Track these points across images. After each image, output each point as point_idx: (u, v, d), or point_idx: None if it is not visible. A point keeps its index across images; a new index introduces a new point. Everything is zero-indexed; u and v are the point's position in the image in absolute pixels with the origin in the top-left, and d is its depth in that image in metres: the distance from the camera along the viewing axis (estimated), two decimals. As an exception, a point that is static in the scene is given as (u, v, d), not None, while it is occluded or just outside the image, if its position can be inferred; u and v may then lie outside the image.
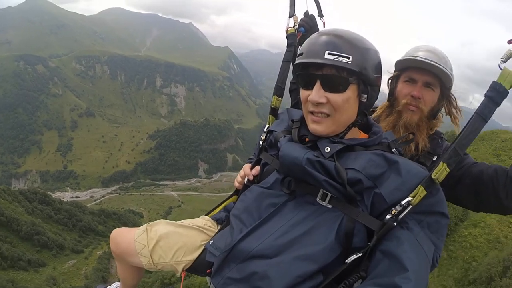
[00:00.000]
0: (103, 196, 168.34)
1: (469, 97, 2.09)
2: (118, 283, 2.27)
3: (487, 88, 1.32)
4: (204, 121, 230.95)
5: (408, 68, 2.04)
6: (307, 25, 2.18)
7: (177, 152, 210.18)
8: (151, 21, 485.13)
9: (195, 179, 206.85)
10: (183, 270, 1.74)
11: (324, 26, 2.24)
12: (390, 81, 2.17)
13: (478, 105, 1.35)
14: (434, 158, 2.00)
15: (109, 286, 2.29)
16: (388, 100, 2.17)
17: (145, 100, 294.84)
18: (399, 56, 2.07)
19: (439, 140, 2.09)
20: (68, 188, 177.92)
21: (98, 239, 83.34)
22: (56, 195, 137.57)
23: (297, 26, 2.06)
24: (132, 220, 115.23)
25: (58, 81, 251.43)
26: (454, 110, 2.10)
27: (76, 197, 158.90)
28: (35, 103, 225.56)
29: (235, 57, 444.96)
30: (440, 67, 1.91)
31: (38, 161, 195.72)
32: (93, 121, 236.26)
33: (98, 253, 76.73)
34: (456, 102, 2.10)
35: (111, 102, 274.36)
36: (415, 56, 1.98)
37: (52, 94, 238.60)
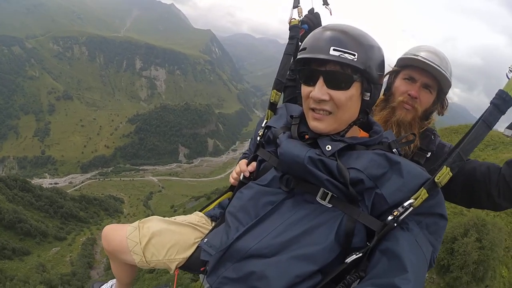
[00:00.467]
0: (82, 182, 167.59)
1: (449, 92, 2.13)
2: (114, 281, 2.25)
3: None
4: (185, 105, 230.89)
5: (409, 66, 2.02)
6: (311, 23, 2.11)
7: (157, 137, 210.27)
8: (131, 1, 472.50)
9: (176, 164, 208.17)
10: (176, 268, 1.71)
11: (331, 14, 2.16)
12: (388, 75, 2.15)
13: (482, 108, 1.34)
14: (428, 155, 2.01)
15: (105, 284, 2.30)
16: (383, 95, 2.14)
17: (125, 83, 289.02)
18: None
19: (432, 136, 2.09)
20: (47, 174, 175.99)
21: (80, 226, 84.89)
22: (34, 181, 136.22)
23: (301, 18, 1.99)
24: (113, 205, 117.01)
25: (35, 62, 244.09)
26: (442, 113, 2.14)
27: (55, 183, 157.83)
28: (12, 86, 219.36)
29: (217, 41, 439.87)
30: (441, 70, 1.91)
31: (15, 147, 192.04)
32: (71, 105, 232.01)
33: (81, 239, 78.36)
34: (447, 107, 2.13)
35: (90, 85, 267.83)
36: (418, 56, 1.96)
37: (29, 77, 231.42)
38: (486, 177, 1.75)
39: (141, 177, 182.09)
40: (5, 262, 54.11)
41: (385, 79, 2.17)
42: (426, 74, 1.96)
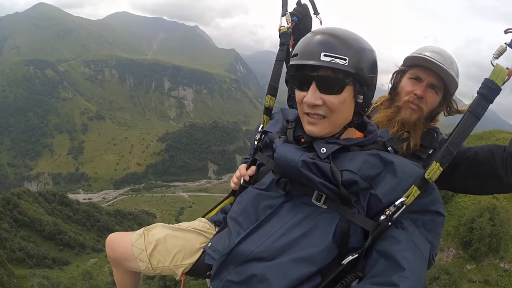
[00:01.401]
0: (115, 198, 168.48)
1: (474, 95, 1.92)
2: None
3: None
4: (213, 123, 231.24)
5: (416, 66, 2.00)
6: (300, 14, 2.11)
7: (187, 154, 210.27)
8: (156, 24, 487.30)
9: (205, 180, 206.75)
10: (182, 274, 1.71)
11: (321, 24, 2.14)
12: (395, 75, 2.13)
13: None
14: (430, 152, 1.99)
15: None
16: (389, 94, 2.14)
17: (154, 103, 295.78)
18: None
19: (435, 134, 2.07)
20: (80, 190, 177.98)
21: None
22: (69, 196, 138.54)
23: (289, 25, 1.99)
24: (146, 220, 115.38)
25: (68, 85, 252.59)
26: (451, 115, 2.09)
27: (89, 198, 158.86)
28: (46, 106, 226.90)
29: (241, 59, 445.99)
30: (447, 69, 1.87)
31: (50, 164, 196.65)
32: (103, 124, 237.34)
33: None
34: (456, 107, 2.07)
35: (121, 105, 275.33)
36: (425, 55, 1.94)
37: (62, 98, 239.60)
38: (490, 158, 1.72)
39: (172, 193, 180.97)
40: (45, 270, 53.92)
41: (391, 79, 2.16)
42: (433, 74, 1.93)
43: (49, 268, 57.26)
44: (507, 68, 1.29)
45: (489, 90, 1.29)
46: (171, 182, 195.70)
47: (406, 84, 2.03)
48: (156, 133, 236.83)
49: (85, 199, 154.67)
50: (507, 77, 1.29)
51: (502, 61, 1.31)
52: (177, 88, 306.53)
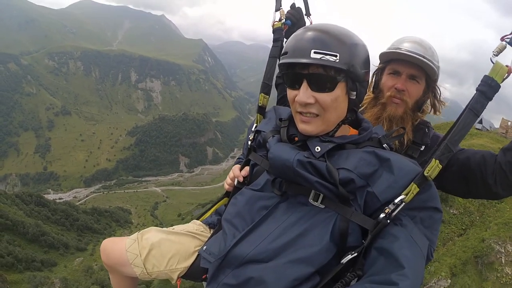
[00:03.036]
0: (86, 196, 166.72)
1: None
2: None
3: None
4: (183, 115, 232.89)
5: (392, 60, 2.02)
6: (294, 18, 2.10)
7: (157, 148, 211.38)
8: (122, 13, 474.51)
9: (177, 173, 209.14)
10: (178, 278, 1.72)
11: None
12: (375, 73, 2.15)
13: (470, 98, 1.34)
14: (422, 148, 2.00)
15: None
16: (372, 92, 2.15)
17: (121, 96, 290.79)
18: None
19: (426, 129, 2.07)
20: (50, 190, 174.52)
21: (96, 237, 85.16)
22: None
23: (283, 20, 1.96)
24: (123, 217, 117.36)
25: (32, 79, 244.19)
26: (437, 103, 2.10)
27: (59, 198, 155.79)
28: (10, 103, 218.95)
29: (209, 49, 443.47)
30: (423, 59, 1.88)
31: (17, 164, 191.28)
32: (70, 120, 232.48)
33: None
34: (440, 95, 2.09)
35: (87, 99, 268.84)
36: (399, 48, 1.95)
37: (26, 93, 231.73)
38: (481, 166, 1.72)
39: (144, 188, 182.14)
40: (35, 273, 54.08)
41: (372, 77, 2.16)
42: (410, 65, 1.94)
43: (39, 270, 57.49)
44: (507, 66, 1.28)
45: (488, 88, 1.29)
46: (143, 177, 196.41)
47: (386, 80, 2.05)
48: (125, 127, 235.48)
49: (55, 199, 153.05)
50: (506, 74, 1.28)
51: (503, 59, 1.31)
52: (145, 80, 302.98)
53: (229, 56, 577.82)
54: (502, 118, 32.09)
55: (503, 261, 13.53)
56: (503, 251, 13.68)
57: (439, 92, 2.07)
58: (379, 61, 2.13)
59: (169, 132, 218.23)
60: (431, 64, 1.90)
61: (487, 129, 33.72)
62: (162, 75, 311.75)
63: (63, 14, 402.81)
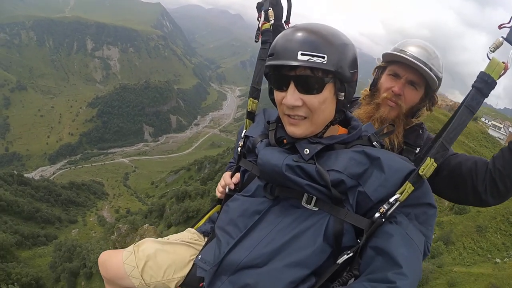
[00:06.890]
0: (53, 174, 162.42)
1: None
2: None
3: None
4: (144, 84, 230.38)
5: (395, 62, 1.97)
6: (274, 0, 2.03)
7: (120, 118, 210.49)
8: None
9: (142, 143, 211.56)
10: (176, 287, 1.73)
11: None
12: (376, 70, 2.12)
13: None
14: (417, 151, 1.98)
15: None
16: (369, 89, 2.12)
17: (78, 66, 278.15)
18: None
19: (420, 131, 2.04)
20: (15, 171, 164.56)
21: (82, 210, 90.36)
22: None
23: (272, 21, 1.90)
24: (100, 189, 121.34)
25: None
26: (432, 111, 2.08)
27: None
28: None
29: (167, 14, 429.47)
30: (426, 69, 1.84)
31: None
32: (26, 95, 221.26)
33: (91, 219, 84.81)
34: (438, 102, 2.05)
35: (42, 72, 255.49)
36: (404, 52, 1.91)
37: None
38: (472, 172, 1.70)
39: (111, 160, 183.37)
40: (43, 248, 57.34)
41: (372, 73, 2.15)
42: (411, 71, 1.90)
43: (46, 245, 58.89)
44: (503, 62, 1.27)
45: (485, 84, 1.29)
46: (108, 149, 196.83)
47: (385, 80, 2.03)
48: (84, 98, 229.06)
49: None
50: (503, 71, 1.28)
51: (499, 55, 1.30)
52: (101, 48, 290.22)
53: (187, 21, 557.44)
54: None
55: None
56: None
57: (437, 100, 2.04)
58: (381, 59, 2.10)
59: (131, 102, 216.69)
60: (433, 75, 1.87)
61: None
62: (119, 42, 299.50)
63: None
